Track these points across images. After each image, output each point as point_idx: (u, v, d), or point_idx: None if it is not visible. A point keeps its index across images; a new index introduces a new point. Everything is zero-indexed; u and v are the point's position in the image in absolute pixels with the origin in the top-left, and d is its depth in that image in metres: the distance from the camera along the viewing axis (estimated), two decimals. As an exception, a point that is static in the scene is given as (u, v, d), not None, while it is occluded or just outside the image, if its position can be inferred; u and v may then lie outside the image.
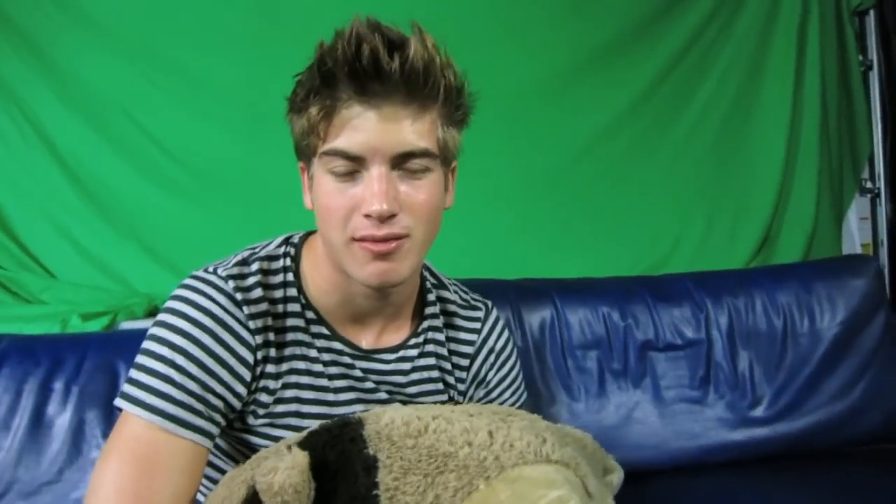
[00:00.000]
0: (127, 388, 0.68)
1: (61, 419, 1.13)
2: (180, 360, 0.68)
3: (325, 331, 0.78)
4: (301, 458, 0.52)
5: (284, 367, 0.75)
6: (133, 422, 0.66)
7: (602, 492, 0.58)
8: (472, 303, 0.90)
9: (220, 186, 1.92)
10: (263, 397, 0.73)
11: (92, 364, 1.17)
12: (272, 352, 0.74)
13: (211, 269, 0.75)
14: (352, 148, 0.67)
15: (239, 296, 0.72)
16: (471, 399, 0.87)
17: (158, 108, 1.87)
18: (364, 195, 0.69)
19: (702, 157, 2.14)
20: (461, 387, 0.87)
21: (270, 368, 0.74)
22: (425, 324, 0.85)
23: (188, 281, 0.74)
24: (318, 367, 0.77)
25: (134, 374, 0.69)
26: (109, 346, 1.20)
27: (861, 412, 1.36)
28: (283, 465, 0.52)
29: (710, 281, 1.44)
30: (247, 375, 0.72)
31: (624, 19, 2.10)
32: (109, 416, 1.13)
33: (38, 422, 1.12)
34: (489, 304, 0.92)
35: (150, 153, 1.89)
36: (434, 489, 0.49)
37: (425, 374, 0.83)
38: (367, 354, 0.80)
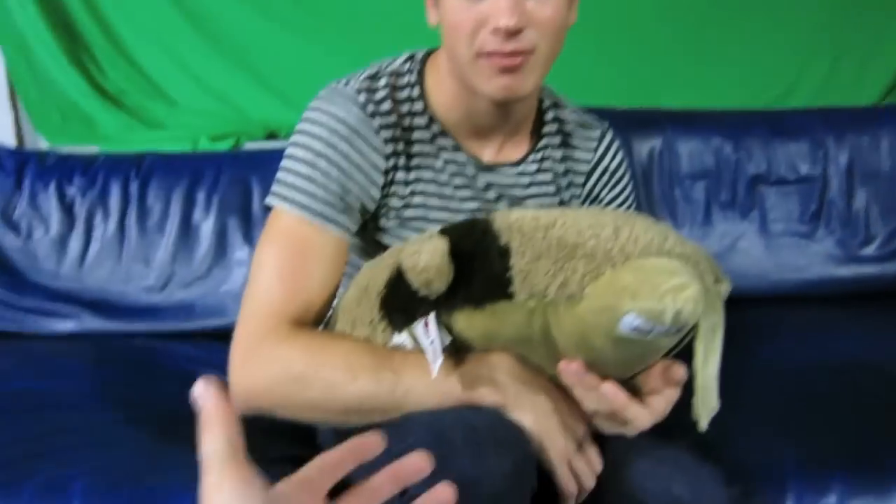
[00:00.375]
0: (276, 187, 0.76)
1: (206, 225, 1.26)
2: (322, 163, 0.74)
3: (449, 143, 0.82)
4: (441, 243, 0.59)
5: (412, 175, 0.81)
6: (284, 217, 0.74)
7: (715, 292, 0.62)
8: (589, 123, 0.92)
9: (329, 16, 1.93)
10: (394, 202, 0.80)
11: (227, 178, 1.29)
12: (401, 161, 0.79)
13: (343, 83, 0.79)
14: None
15: (370, 107, 0.77)
16: None
17: None
18: (491, 10, 0.70)
19: None
20: (575, 203, 0.91)
21: (400, 176, 0.80)
22: (543, 141, 0.88)
23: (323, 93, 0.79)
24: (444, 178, 0.82)
25: (281, 175, 0.76)
26: (240, 164, 1.31)
27: None
28: (425, 248, 0.59)
29: (835, 117, 1.38)
30: (380, 180, 0.78)
31: None
32: (246, 224, 1.25)
33: (187, 227, 1.26)
34: (605, 124, 0.93)
35: None
36: (563, 273, 0.55)
37: (542, 189, 0.87)
38: (489, 168, 0.84)
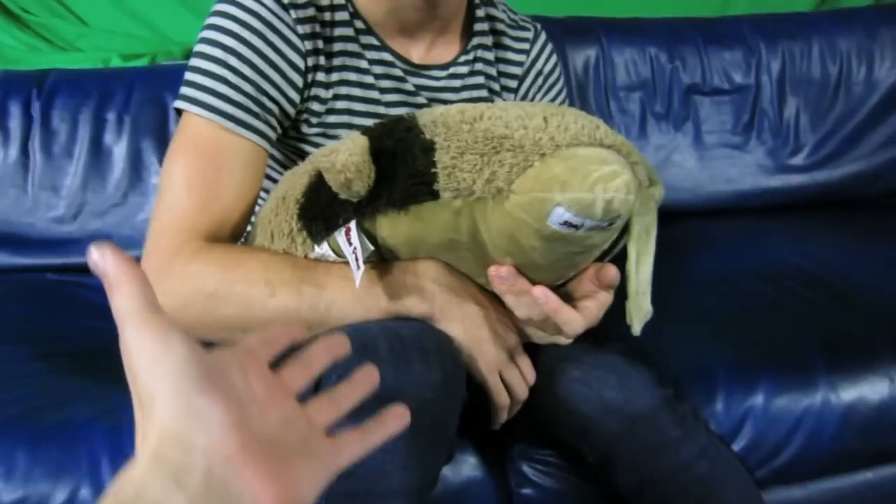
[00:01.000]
0: (184, 89, 0.69)
1: (118, 148, 1.17)
2: (233, 60, 0.68)
3: (374, 41, 0.76)
4: (361, 141, 0.54)
5: (335, 76, 0.74)
6: (194, 121, 0.68)
7: (648, 194, 0.60)
8: (521, 23, 0.87)
9: None
10: (315, 106, 0.74)
11: (140, 96, 1.19)
12: (322, 60, 0.73)
13: None
14: None
15: None
16: None
17: None
18: None
19: None
20: None
21: (321, 76, 0.74)
22: (475, 41, 0.83)
23: None
24: (370, 79, 0.76)
25: (189, 76, 0.69)
26: (155, 80, 1.22)
27: (904, 163, 1.36)
28: (343, 147, 0.55)
29: (768, 24, 1.36)
30: (298, 81, 0.72)
31: None
32: (163, 146, 1.17)
33: (97, 150, 1.17)
34: (538, 26, 0.89)
35: None
36: (490, 167, 0.52)
37: (475, 94, 0.83)
38: (418, 70, 0.79)
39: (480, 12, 0.83)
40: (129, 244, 1.12)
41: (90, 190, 1.16)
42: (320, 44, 0.73)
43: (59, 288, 1.06)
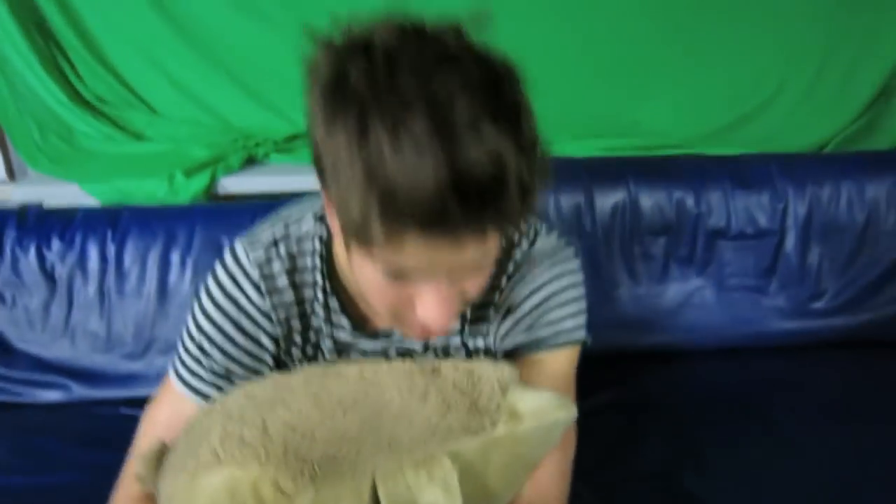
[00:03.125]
0: (174, 357, 0.79)
1: (182, 288, 1.32)
2: (206, 344, 0.76)
3: (347, 324, 0.79)
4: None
5: (309, 350, 0.80)
6: (174, 386, 0.78)
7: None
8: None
9: (317, 17, 1.88)
10: (290, 364, 0.80)
11: (200, 239, 1.33)
12: (296, 338, 0.79)
13: (243, 251, 0.76)
14: (405, 266, 0.58)
15: (264, 285, 0.75)
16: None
17: None
18: (419, 305, 0.61)
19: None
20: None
21: (295, 353, 0.80)
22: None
23: (226, 260, 0.77)
24: (333, 356, 0.80)
25: (178, 345, 0.79)
26: (212, 222, 1.35)
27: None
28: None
29: (796, 167, 1.39)
30: (269, 359, 0.78)
31: None
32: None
33: (164, 290, 1.31)
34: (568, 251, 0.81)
35: None
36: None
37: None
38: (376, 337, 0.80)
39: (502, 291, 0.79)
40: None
41: (157, 327, 1.31)
42: (295, 323, 0.78)
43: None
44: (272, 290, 0.76)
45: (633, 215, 1.36)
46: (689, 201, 1.36)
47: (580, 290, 0.80)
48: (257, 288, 0.75)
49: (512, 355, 0.80)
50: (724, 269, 1.38)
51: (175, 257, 1.32)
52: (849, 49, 1.89)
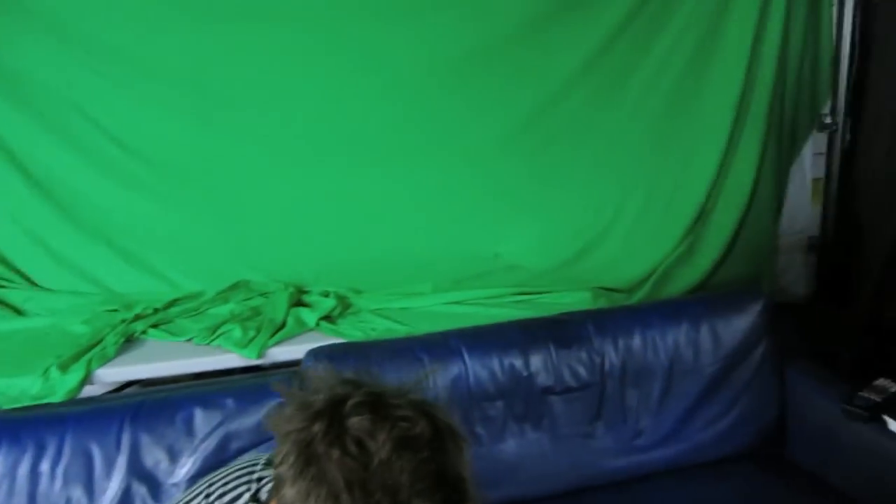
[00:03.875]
0: None
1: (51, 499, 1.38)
2: None
3: None
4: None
5: None
6: None
7: None
8: None
9: (178, 176, 2.03)
10: None
11: (70, 448, 1.41)
12: None
13: None
14: None
15: None
16: None
17: (106, 97, 1.90)
18: None
19: (649, 126, 2.19)
20: None
21: None
22: None
23: None
24: None
25: None
26: (82, 429, 1.43)
27: (732, 433, 1.61)
28: None
29: (608, 322, 1.61)
30: None
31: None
32: (91, 496, 1.38)
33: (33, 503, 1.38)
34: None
35: (104, 148, 1.95)
36: None
37: None
38: None
39: None
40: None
41: (30, 539, 1.36)
42: None
43: None
44: None
45: (470, 384, 1.53)
46: (518, 364, 1.55)
47: None
48: None
49: None
50: (557, 420, 1.56)
51: (45, 468, 1.39)
52: (669, 180, 2.18)
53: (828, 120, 2.27)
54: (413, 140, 2.09)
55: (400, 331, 1.76)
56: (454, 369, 1.53)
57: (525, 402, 1.55)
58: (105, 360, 1.75)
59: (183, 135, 1.99)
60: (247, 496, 0.79)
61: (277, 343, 1.77)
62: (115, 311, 1.92)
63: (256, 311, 1.87)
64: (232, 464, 0.87)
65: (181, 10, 1.89)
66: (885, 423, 1.47)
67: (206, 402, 1.40)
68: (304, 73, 1.99)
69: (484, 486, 1.47)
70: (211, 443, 1.38)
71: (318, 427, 0.64)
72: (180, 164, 2.02)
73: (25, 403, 1.59)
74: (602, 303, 1.92)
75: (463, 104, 2.09)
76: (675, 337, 1.61)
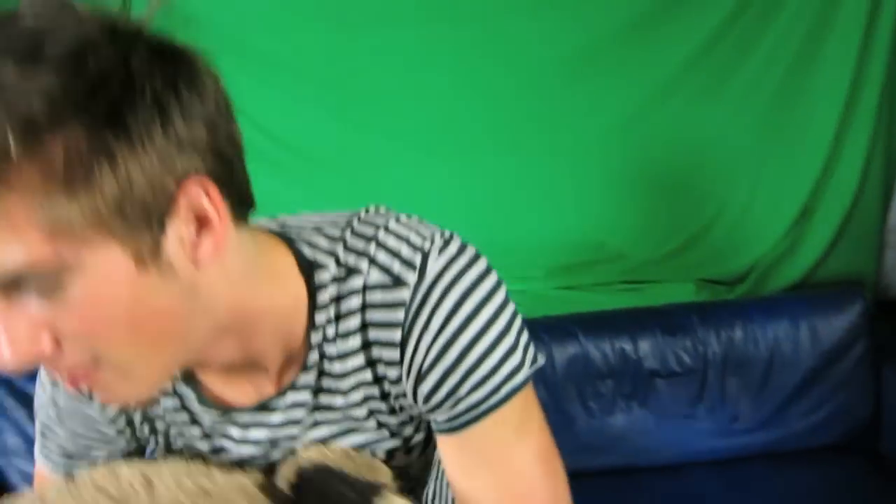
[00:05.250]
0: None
1: None
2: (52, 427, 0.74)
3: (191, 395, 0.66)
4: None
5: (148, 428, 0.70)
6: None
7: None
8: (398, 275, 0.60)
9: (320, 165, 2.28)
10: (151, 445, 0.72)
11: None
12: (135, 417, 0.70)
13: None
14: None
15: None
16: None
17: (254, 94, 2.07)
18: None
19: (754, 122, 2.25)
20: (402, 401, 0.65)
21: (143, 428, 0.71)
22: (302, 379, 0.64)
23: None
24: (186, 437, 0.69)
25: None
26: None
27: (826, 425, 1.74)
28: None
29: (711, 315, 1.76)
30: (120, 441, 0.72)
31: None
32: None
33: None
34: (426, 254, 0.60)
35: (253, 138, 2.10)
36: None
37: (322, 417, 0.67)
38: (242, 411, 0.66)
39: (322, 315, 0.61)
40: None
41: None
42: (135, 414, 0.70)
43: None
44: None
45: (585, 363, 1.72)
46: (629, 348, 1.73)
47: (504, 314, 0.61)
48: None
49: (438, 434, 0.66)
50: (661, 401, 1.74)
51: None
52: (773, 176, 2.25)
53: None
54: (526, 133, 2.25)
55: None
56: (571, 349, 1.73)
57: (633, 382, 1.73)
58: None
59: (322, 126, 2.24)
60: None
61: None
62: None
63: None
64: None
65: (322, 18, 2.12)
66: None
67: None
68: (429, 70, 2.19)
69: (594, 453, 1.69)
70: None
71: None
72: (321, 153, 2.27)
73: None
74: (705, 294, 2.05)
75: (573, 99, 2.21)
76: (776, 332, 1.74)
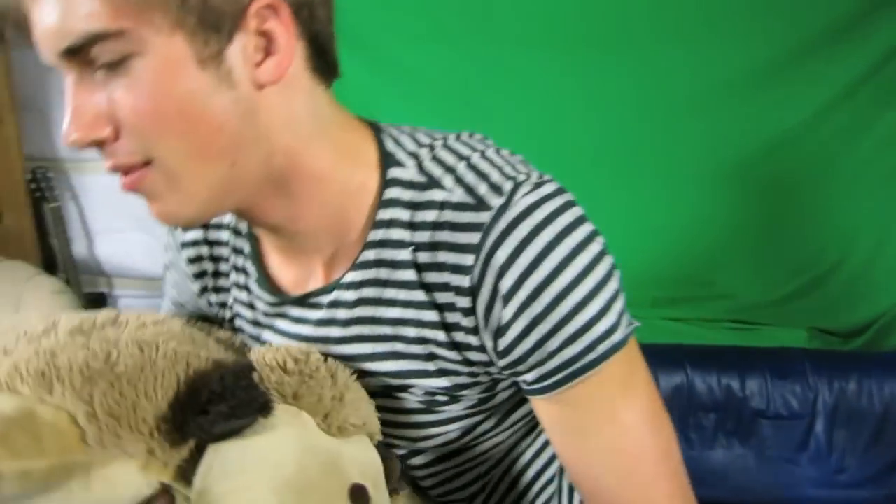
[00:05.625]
0: None
1: None
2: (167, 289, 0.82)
3: (252, 268, 0.67)
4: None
5: (222, 297, 0.73)
6: None
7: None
8: (483, 196, 0.54)
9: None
10: (227, 314, 0.74)
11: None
12: (210, 282, 0.73)
13: None
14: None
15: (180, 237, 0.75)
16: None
17: (385, 101, 2.23)
18: None
19: (888, 173, 2.19)
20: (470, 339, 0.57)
21: (213, 298, 0.73)
22: (355, 275, 0.59)
23: None
24: (252, 307, 0.69)
25: None
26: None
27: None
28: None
29: (826, 364, 1.75)
30: (202, 302, 0.75)
31: (829, 14, 2.08)
32: None
33: None
34: (518, 184, 0.54)
35: None
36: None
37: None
38: (297, 301, 0.64)
39: (387, 213, 0.57)
40: None
41: None
42: (207, 265, 0.73)
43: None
44: (185, 244, 0.75)
45: (689, 394, 1.75)
46: (735, 385, 1.74)
47: (602, 264, 0.55)
48: (175, 238, 0.77)
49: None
50: (764, 442, 1.74)
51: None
52: None
53: None
54: (654, 160, 2.28)
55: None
56: (677, 379, 1.75)
57: (737, 419, 1.74)
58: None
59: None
60: None
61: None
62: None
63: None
64: None
65: (458, 34, 2.23)
66: None
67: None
68: (557, 93, 2.26)
69: (693, 485, 1.70)
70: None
71: None
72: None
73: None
74: (816, 344, 2.02)
75: (708, 130, 2.22)
76: (892, 389, 1.71)
